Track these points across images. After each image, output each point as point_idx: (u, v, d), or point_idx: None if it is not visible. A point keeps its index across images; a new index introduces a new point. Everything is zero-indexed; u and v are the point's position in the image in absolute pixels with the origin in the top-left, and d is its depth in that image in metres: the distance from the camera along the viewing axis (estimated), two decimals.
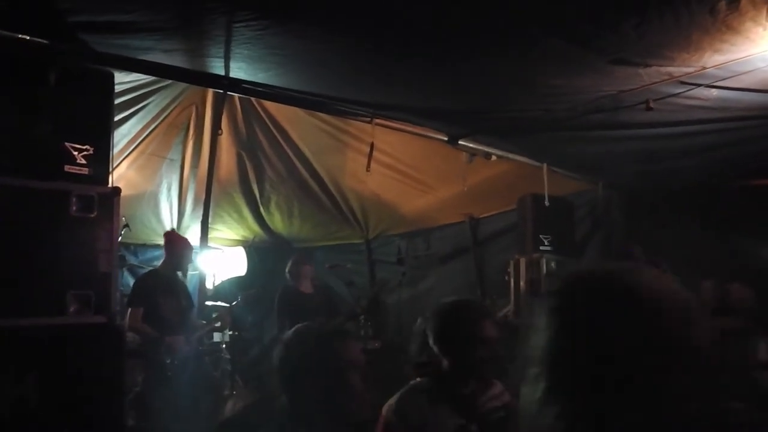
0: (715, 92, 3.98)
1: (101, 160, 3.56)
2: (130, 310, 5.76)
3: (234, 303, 7.18)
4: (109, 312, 3.47)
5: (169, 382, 5.64)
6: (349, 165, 7.00)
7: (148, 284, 6.01)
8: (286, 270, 6.99)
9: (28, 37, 3.23)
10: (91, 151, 3.50)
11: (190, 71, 4.08)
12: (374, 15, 3.14)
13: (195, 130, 6.89)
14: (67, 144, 3.41)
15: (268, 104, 6.40)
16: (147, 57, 3.74)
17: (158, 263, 6.53)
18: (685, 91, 3.99)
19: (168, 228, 8.26)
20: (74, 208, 3.39)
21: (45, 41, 3.28)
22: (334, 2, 3.04)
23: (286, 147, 7.10)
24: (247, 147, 7.23)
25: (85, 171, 3.47)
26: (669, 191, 5.95)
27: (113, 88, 3.73)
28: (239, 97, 6.18)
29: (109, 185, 3.58)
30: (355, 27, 3.30)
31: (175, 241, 6.39)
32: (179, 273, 6.49)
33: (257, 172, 7.66)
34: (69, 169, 3.42)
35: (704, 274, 5.05)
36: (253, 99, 6.10)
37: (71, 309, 3.35)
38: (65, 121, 3.40)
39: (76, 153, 3.45)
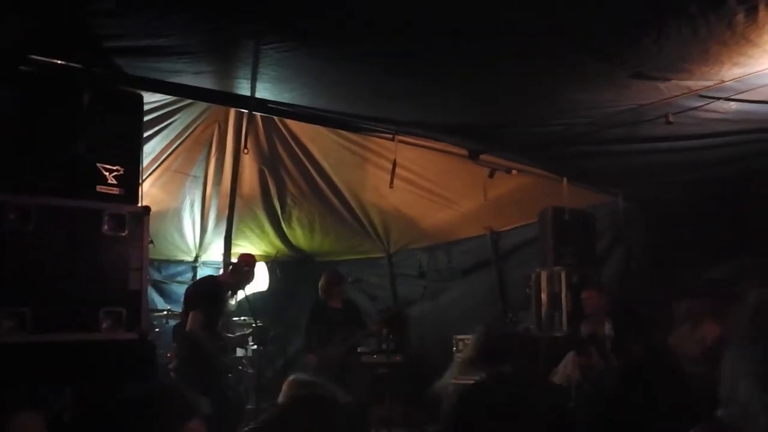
0: (734, 105, 3.99)
1: (131, 180, 3.66)
2: (191, 313, 5.66)
3: (258, 322, 7.21)
4: (139, 328, 3.55)
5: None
6: (370, 180, 7.06)
7: (211, 291, 5.95)
8: (319, 285, 6.99)
9: (63, 62, 3.33)
10: (122, 171, 3.60)
11: (217, 92, 4.18)
12: (397, 34, 3.20)
13: (218, 147, 6.98)
14: (98, 164, 3.52)
15: (289, 121, 6.46)
16: (176, 79, 3.84)
17: (211, 274, 6.44)
18: (704, 105, 4.01)
19: (191, 244, 8.38)
20: (106, 226, 3.49)
21: (79, 65, 3.39)
22: (358, 24, 3.11)
23: (307, 162, 7.16)
24: (268, 163, 7.30)
25: (115, 191, 3.58)
26: (689, 203, 5.94)
27: (142, 110, 3.84)
28: (261, 115, 6.26)
29: (139, 204, 3.68)
30: (379, 47, 3.37)
31: (250, 266, 6.29)
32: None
33: (279, 188, 7.72)
34: (101, 189, 3.53)
35: None
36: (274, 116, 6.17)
37: (104, 325, 3.44)
38: (97, 142, 3.52)
39: (107, 173, 3.55)
